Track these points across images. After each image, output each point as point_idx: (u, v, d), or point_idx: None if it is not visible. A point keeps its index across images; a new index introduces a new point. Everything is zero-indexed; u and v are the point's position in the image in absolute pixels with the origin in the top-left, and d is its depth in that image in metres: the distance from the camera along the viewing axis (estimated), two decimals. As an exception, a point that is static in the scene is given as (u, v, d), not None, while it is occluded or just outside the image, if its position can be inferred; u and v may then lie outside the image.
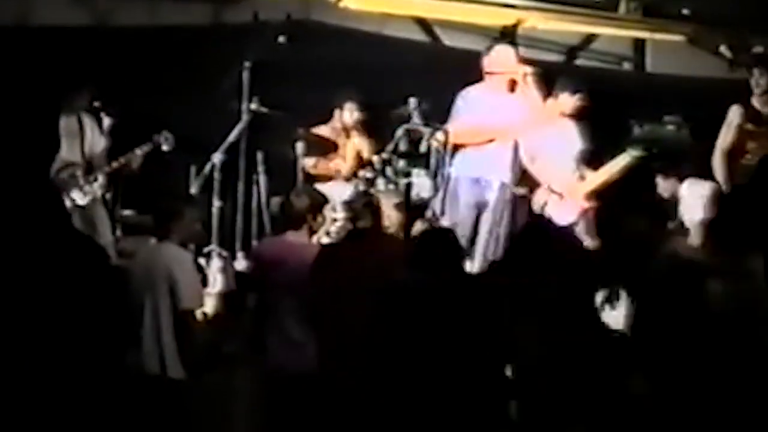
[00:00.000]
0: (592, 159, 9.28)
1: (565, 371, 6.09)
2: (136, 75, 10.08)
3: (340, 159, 9.98)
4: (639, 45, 11.96)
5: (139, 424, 6.44)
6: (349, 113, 10.05)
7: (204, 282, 7.91)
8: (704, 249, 6.77)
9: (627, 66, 12.07)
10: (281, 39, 9.79)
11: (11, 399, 5.70)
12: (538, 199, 9.06)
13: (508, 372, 6.23)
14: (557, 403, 6.07)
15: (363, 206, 7.50)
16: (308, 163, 9.82)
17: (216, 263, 8.79)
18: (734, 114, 8.85)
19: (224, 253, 9.22)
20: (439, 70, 10.41)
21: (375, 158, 9.78)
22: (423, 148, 9.84)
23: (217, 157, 9.57)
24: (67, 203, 8.74)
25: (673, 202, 9.24)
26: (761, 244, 6.46)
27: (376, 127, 10.16)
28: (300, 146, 9.68)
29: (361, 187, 9.44)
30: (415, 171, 9.72)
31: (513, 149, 8.91)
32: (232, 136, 9.61)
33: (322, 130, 10.01)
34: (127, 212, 9.95)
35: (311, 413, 7.02)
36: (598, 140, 9.43)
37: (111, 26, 10.78)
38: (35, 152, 9.22)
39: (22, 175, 8.54)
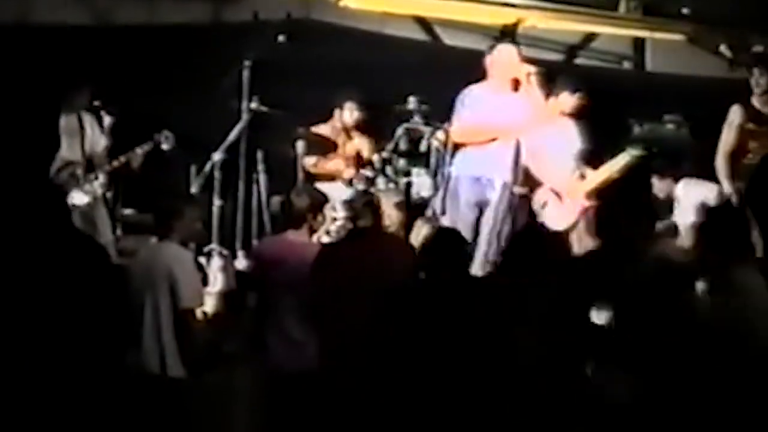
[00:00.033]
0: (592, 158, 9.28)
1: (558, 371, 6.11)
2: (136, 74, 10.08)
3: (340, 158, 9.98)
4: (639, 44, 11.96)
5: (140, 423, 6.44)
6: (349, 113, 10.05)
7: (204, 281, 7.90)
8: (694, 252, 6.79)
9: (627, 65, 12.07)
10: (281, 38, 9.79)
11: (11, 398, 5.70)
12: (539, 199, 9.06)
13: (510, 371, 6.24)
14: (554, 402, 6.08)
15: (363, 205, 7.49)
16: (308, 162, 9.82)
17: (216, 262, 8.79)
18: (735, 114, 8.85)
19: (225, 252, 9.22)
20: (439, 70, 10.42)
21: (375, 157, 9.79)
22: (423, 147, 9.85)
23: (217, 156, 9.58)
24: (68, 202, 8.73)
25: (668, 203, 9.26)
26: (750, 250, 6.50)
27: (376, 127, 10.17)
28: (300, 145, 9.69)
29: (362, 186, 9.44)
30: (415, 170, 9.74)
31: (515, 148, 8.90)
32: (232, 135, 9.61)
33: (322, 130, 10.01)
34: (127, 211, 9.97)
35: (311, 412, 7.02)
36: (598, 139, 9.43)
37: (111, 25, 10.77)
38: (35, 151, 9.22)
39: (22, 174, 8.56)
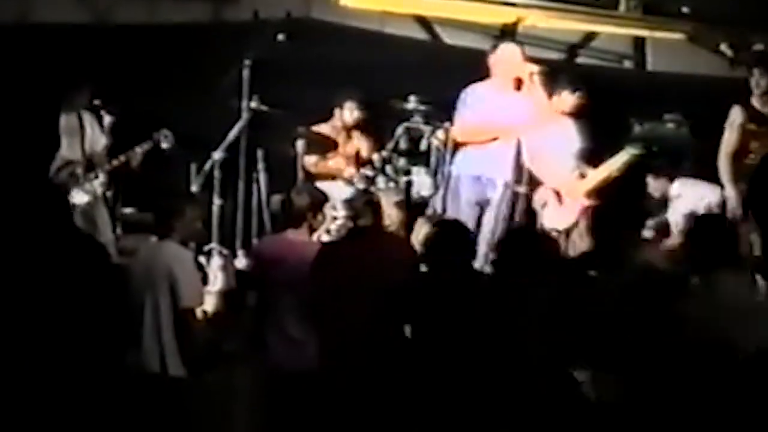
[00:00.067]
0: (592, 157, 9.28)
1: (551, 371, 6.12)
2: (136, 73, 10.09)
3: (341, 157, 9.98)
4: (639, 43, 11.94)
5: (140, 422, 6.44)
6: (349, 112, 10.05)
7: (204, 280, 7.90)
8: (682, 253, 6.80)
9: (627, 64, 12.05)
10: (281, 37, 9.79)
11: (12, 397, 5.70)
12: (539, 198, 9.06)
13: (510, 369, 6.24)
14: (551, 401, 6.09)
15: (363, 204, 7.49)
16: (309, 161, 9.81)
17: (216, 261, 8.79)
18: (736, 115, 8.84)
19: (225, 252, 9.22)
20: (439, 69, 10.41)
21: (375, 156, 9.78)
22: (423, 146, 9.85)
23: (217, 155, 9.58)
24: (69, 202, 8.74)
25: (663, 202, 9.26)
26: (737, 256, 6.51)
27: (376, 126, 10.16)
28: (300, 144, 9.68)
29: (362, 186, 9.44)
30: (415, 169, 9.73)
31: (516, 148, 8.91)
32: (232, 134, 9.61)
33: (323, 129, 10.01)
34: (127, 210, 9.97)
35: (311, 411, 7.02)
36: (599, 138, 9.43)
37: (111, 24, 10.77)
38: (35, 150, 9.22)
39: (22, 173, 8.56)
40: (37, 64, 9.86)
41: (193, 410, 7.03)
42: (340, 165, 9.93)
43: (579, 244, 8.67)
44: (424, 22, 11.55)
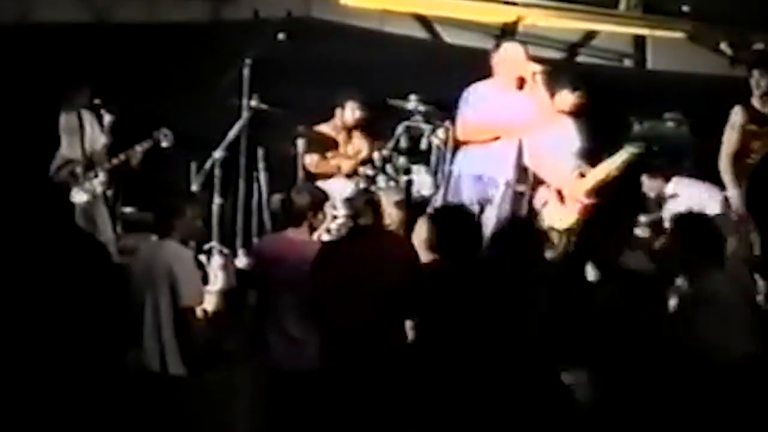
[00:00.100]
0: (592, 156, 9.28)
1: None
2: (136, 72, 10.08)
3: (341, 157, 9.97)
4: (639, 42, 11.93)
5: (140, 421, 6.44)
6: (350, 112, 10.04)
7: (204, 279, 7.89)
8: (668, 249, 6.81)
9: (627, 63, 12.04)
10: (281, 36, 9.78)
11: (12, 396, 5.70)
12: (540, 197, 9.06)
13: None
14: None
15: (364, 203, 7.48)
16: (309, 160, 9.81)
17: (217, 260, 8.77)
18: (736, 115, 8.84)
19: (225, 251, 9.22)
20: (440, 67, 10.41)
21: (376, 155, 9.78)
22: (423, 145, 9.84)
23: (217, 154, 9.57)
24: (69, 201, 8.74)
25: (658, 201, 9.26)
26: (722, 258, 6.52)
27: (376, 125, 10.16)
28: (300, 143, 9.68)
29: (362, 185, 9.43)
30: (415, 168, 9.73)
31: (517, 147, 8.91)
32: (232, 133, 9.61)
33: (323, 128, 10.01)
34: (127, 209, 9.97)
35: (311, 410, 7.02)
36: (599, 137, 9.42)
37: (111, 23, 10.77)
38: (35, 149, 9.21)
39: (22, 173, 8.56)
40: (37, 64, 9.86)
41: (193, 409, 7.03)
42: (340, 164, 9.93)
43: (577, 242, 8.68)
44: (424, 20, 11.55)
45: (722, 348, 6.15)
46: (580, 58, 11.81)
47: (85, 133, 9.25)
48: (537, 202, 9.07)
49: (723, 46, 11.43)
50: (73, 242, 6.02)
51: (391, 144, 9.83)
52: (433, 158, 9.76)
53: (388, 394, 6.76)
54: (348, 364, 6.87)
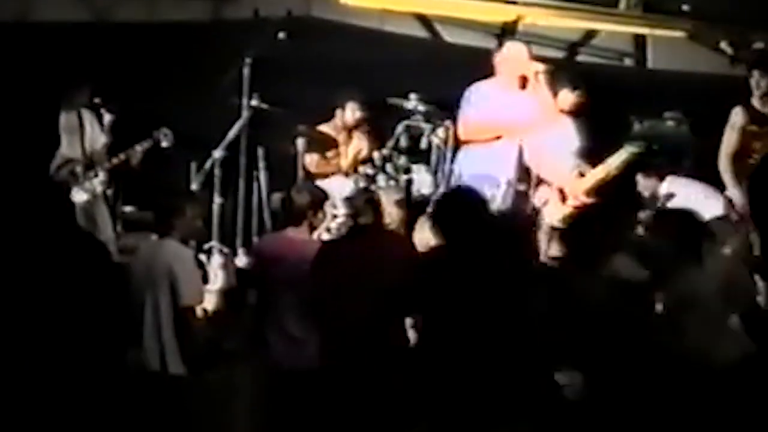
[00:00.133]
0: (593, 155, 9.28)
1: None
2: (136, 71, 10.09)
3: (341, 157, 9.97)
4: (639, 41, 11.94)
5: (140, 420, 6.44)
6: (351, 112, 10.02)
7: (205, 278, 7.90)
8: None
9: (627, 62, 12.05)
10: (281, 35, 9.77)
11: (12, 395, 5.70)
12: (540, 197, 9.05)
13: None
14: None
15: (364, 203, 7.48)
16: (309, 160, 9.81)
17: (217, 260, 8.77)
18: (737, 116, 8.84)
19: (225, 250, 9.21)
20: (440, 67, 10.41)
21: (376, 155, 9.77)
22: (424, 144, 9.84)
23: (217, 154, 9.57)
24: (70, 200, 8.74)
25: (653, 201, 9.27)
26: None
27: (376, 124, 10.15)
28: (301, 142, 9.68)
29: (362, 184, 9.43)
30: (415, 167, 9.72)
31: (518, 146, 8.91)
32: (232, 133, 9.60)
33: (324, 128, 10.00)
34: (127, 208, 9.97)
35: (311, 410, 7.02)
36: (599, 136, 9.42)
37: (111, 23, 10.77)
38: (35, 149, 9.21)
39: (22, 172, 8.56)
40: (37, 63, 9.86)
41: (193, 409, 7.03)
42: (340, 164, 9.92)
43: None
44: (424, 20, 11.55)
45: (703, 349, 6.16)
46: (580, 57, 11.81)
47: (85, 133, 9.24)
48: (538, 201, 9.06)
49: (723, 45, 11.44)
50: (73, 241, 6.01)
51: (391, 143, 9.83)
52: (433, 157, 9.75)
53: (388, 393, 6.75)
54: (348, 363, 6.87)
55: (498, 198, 8.77)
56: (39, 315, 5.74)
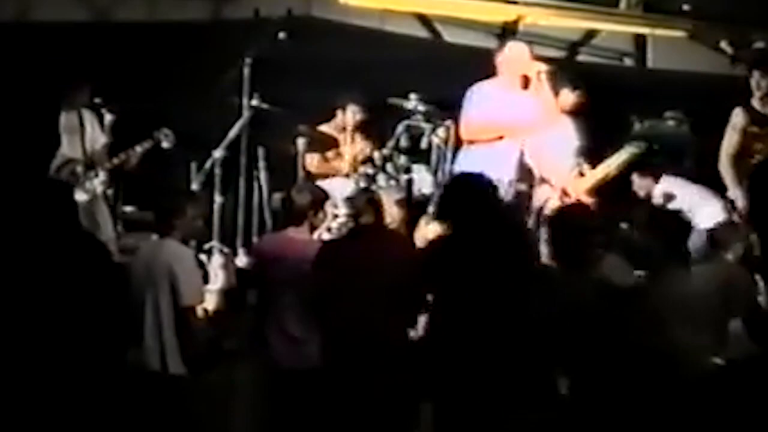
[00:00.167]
0: (593, 155, 9.28)
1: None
2: (137, 71, 10.08)
3: (341, 157, 9.96)
4: (640, 41, 11.95)
5: (140, 420, 6.43)
6: (351, 114, 10.02)
7: (205, 278, 7.89)
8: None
9: (628, 62, 12.06)
10: (282, 35, 9.77)
11: (12, 395, 5.69)
12: (541, 196, 9.05)
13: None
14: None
15: (364, 202, 7.48)
16: (309, 159, 9.80)
17: (217, 259, 8.77)
18: (737, 117, 8.83)
19: (225, 250, 9.21)
20: (440, 66, 10.41)
21: (376, 154, 9.77)
22: (424, 144, 9.83)
23: (218, 153, 9.57)
24: (72, 200, 8.72)
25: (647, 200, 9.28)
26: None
27: (377, 124, 10.15)
28: (301, 142, 9.68)
29: (363, 184, 9.42)
30: (416, 167, 9.72)
31: (520, 146, 8.90)
32: (233, 132, 9.60)
33: (324, 128, 10.00)
34: (128, 208, 9.97)
35: (312, 410, 7.01)
36: (599, 136, 9.42)
37: (111, 23, 10.77)
38: (36, 149, 9.21)
39: (22, 172, 8.55)
40: (37, 63, 9.86)
41: (193, 408, 7.03)
42: (340, 164, 9.92)
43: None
44: (424, 19, 11.55)
45: (693, 351, 6.16)
46: (580, 57, 11.82)
47: (85, 133, 9.24)
48: (538, 201, 9.06)
49: (723, 44, 11.44)
50: (73, 241, 6.00)
51: (391, 143, 9.82)
52: (433, 157, 9.74)
53: (388, 392, 6.75)
54: (348, 363, 6.86)
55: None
56: (39, 315, 5.73)
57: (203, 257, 8.82)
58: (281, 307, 7.29)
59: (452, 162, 9.20)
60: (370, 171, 9.62)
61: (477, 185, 6.77)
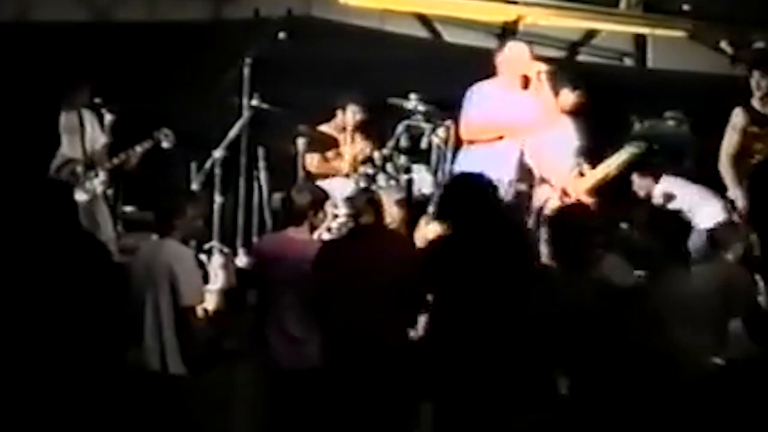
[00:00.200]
0: (593, 155, 9.28)
1: None
2: (137, 71, 10.08)
3: (341, 157, 9.96)
4: (640, 41, 11.95)
5: (140, 420, 6.43)
6: (351, 114, 10.02)
7: (205, 278, 7.90)
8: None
9: (628, 62, 12.06)
10: (282, 35, 9.77)
11: (12, 395, 5.69)
12: (541, 196, 9.05)
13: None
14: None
15: (364, 202, 7.48)
16: (309, 159, 9.80)
17: (217, 259, 8.77)
18: (737, 117, 8.83)
19: (225, 250, 9.21)
20: (440, 66, 10.41)
21: (376, 154, 9.77)
22: (424, 144, 9.83)
23: (218, 153, 9.56)
24: (72, 200, 8.72)
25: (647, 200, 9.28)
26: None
27: (377, 124, 10.15)
28: (301, 142, 9.68)
29: (363, 184, 9.42)
30: (416, 167, 9.72)
31: (520, 146, 8.90)
32: (233, 133, 9.60)
33: (324, 128, 10.00)
34: (128, 208, 9.97)
35: (312, 410, 7.01)
36: (599, 136, 9.42)
37: (111, 22, 10.77)
38: (36, 149, 9.21)
39: (22, 172, 8.55)
40: (37, 63, 9.86)
41: (193, 408, 7.03)
42: (340, 164, 9.92)
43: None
44: (424, 19, 11.55)
45: (688, 350, 6.15)
46: (580, 57, 11.82)
47: (85, 133, 9.24)
48: (538, 201, 9.06)
49: (723, 44, 11.44)
50: (73, 241, 6.00)
51: (391, 143, 9.82)
52: (433, 157, 9.74)
53: (388, 392, 6.75)
54: (348, 363, 6.86)
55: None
56: (39, 315, 5.73)
57: (203, 257, 8.82)
58: (281, 307, 7.29)
59: (452, 162, 9.20)
60: (370, 171, 9.62)
61: (477, 185, 6.76)
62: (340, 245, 7.51)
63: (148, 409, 6.59)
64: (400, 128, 9.87)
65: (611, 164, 9.13)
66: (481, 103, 8.87)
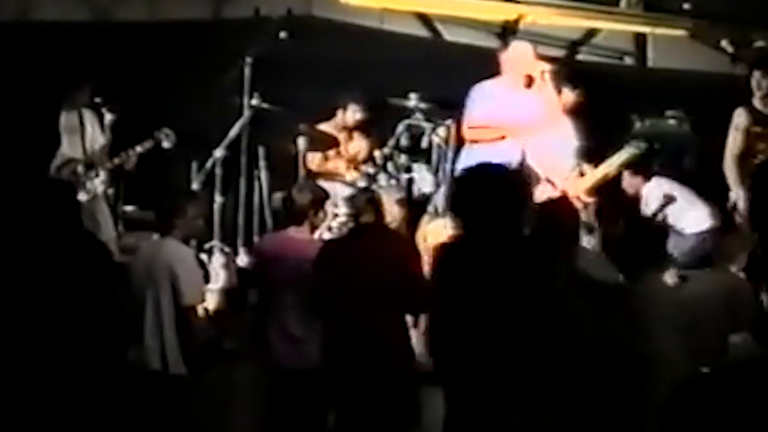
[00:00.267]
0: (593, 154, 9.28)
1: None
2: (137, 71, 10.07)
3: (342, 155, 9.96)
4: (640, 40, 11.94)
5: (140, 420, 6.44)
6: (351, 114, 10.02)
7: (206, 278, 7.90)
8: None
9: (628, 61, 12.05)
10: (282, 34, 9.77)
11: (12, 395, 5.69)
12: (541, 196, 9.04)
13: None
14: None
15: (365, 202, 7.48)
16: (310, 159, 9.80)
17: (218, 259, 8.77)
18: (740, 117, 8.82)
19: (226, 249, 9.21)
20: (441, 66, 10.40)
21: (377, 154, 9.77)
22: (424, 143, 9.83)
23: (218, 153, 9.57)
24: (73, 200, 8.72)
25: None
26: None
27: (377, 123, 10.15)
28: (302, 141, 9.68)
29: (363, 183, 9.43)
30: (416, 166, 9.72)
31: (521, 146, 8.90)
32: (233, 132, 9.60)
33: (325, 127, 10.00)
34: (129, 208, 9.97)
35: (312, 409, 7.02)
36: (600, 135, 9.42)
37: (111, 22, 10.77)
38: (36, 148, 9.21)
39: (23, 172, 8.55)
40: (37, 62, 9.86)
41: (194, 408, 7.03)
42: (340, 164, 9.92)
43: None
44: (425, 19, 11.54)
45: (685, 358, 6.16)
46: (580, 56, 11.81)
47: (85, 132, 9.24)
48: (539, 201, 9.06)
49: (724, 43, 11.43)
50: (74, 241, 6.01)
51: (392, 142, 9.82)
52: (434, 156, 9.75)
53: (389, 392, 6.75)
54: (349, 362, 6.86)
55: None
56: (39, 314, 5.73)
57: (204, 257, 8.83)
58: (282, 306, 7.29)
59: (453, 161, 9.19)
60: (371, 170, 9.62)
61: (502, 176, 6.47)
62: (340, 245, 7.52)
63: (148, 409, 6.59)
64: (400, 127, 9.87)
65: (612, 164, 9.13)
66: (484, 102, 8.86)
